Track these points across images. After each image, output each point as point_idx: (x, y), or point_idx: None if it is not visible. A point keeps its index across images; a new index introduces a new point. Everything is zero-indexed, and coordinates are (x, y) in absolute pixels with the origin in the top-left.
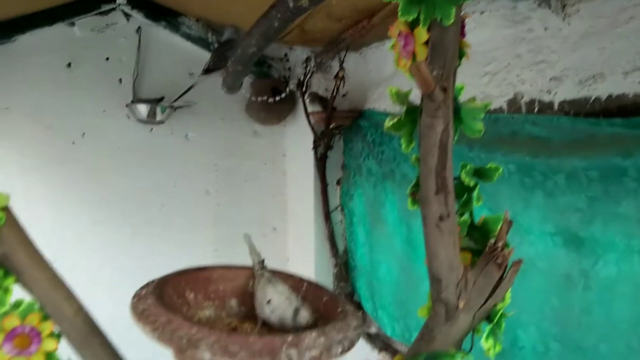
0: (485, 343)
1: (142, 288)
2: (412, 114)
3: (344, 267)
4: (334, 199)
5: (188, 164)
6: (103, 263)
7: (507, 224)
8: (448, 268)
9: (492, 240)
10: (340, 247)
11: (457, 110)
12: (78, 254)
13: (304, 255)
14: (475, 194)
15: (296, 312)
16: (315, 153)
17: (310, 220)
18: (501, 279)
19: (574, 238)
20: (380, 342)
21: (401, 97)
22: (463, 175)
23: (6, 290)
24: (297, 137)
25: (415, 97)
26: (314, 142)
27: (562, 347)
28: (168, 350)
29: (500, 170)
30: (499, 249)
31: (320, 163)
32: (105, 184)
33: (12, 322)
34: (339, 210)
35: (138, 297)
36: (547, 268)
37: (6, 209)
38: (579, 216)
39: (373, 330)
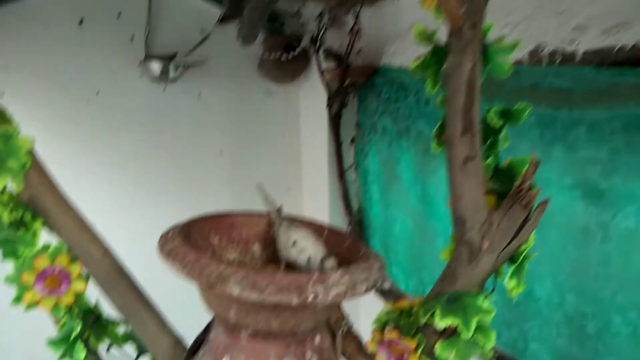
0: (508, 283)
1: (167, 231)
2: (438, 54)
3: (358, 225)
4: (348, 158)
5: (201, 124)
6: (117, 223)
7: (534, 165)
8: (473, 209)
9: (518, 182)
10: (355, 206)
11: (484, 49)
12: (92, 214)
13: (318, 214)
14: (502, 135)
15: (325, 257)
16: (329, 111)
17: (325, 180)
18: (526, 220)
19: (594, 191)
20: (393, 297)
21: (427, 36)
22: (490, 116)
23: (34, 233)
24: (311, 95)
25: (441, 37)
26: (328, 100)
27: (578, 299)
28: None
29: (529, 110)
30: (525, 190)
31: (334, 121)
32: (119, 144)
33: (43, 263)
34: (353, 169)
35: (165, 239)
36: (565, 221)
37: (31, 153)
38: (599, 169)
39: (387, 286)
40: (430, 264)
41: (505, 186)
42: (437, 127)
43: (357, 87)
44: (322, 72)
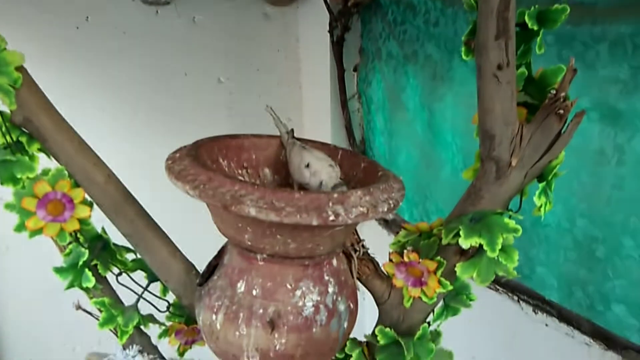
0: (537, 200)
1: (174, 152)
2: None
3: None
4: (351, 87)
5: (197, 50)
6: (113, 152)
7: (572, 73)
8: (503, 123)
9: (553, 91)
10: (358, 137)
11: None
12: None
13: None
14: (538, 39)
15: (338, 185)
16: (331, 36)
17: (326, 109)
18: (559, 133)
19: (612, 112)
20: (396, 227)
21: None
22: (527, 18)
23: (32, 157)
24: (312, 19)
25: None
26: (330, 23)
27: (589, 223)
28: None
29: (568, 11)
30: (561, 100)
31: (337, 48)
32: (113, 70)
33: (43, 188)
34: (356, 97)
35: (172, 160)
36: (579, 144)
37: (22, 69)
38: (619, 87)
39: (390, 216)
40: (435, 194)
41: (537, 98)
42: (467, 31)
43: (361, 8)
44: None
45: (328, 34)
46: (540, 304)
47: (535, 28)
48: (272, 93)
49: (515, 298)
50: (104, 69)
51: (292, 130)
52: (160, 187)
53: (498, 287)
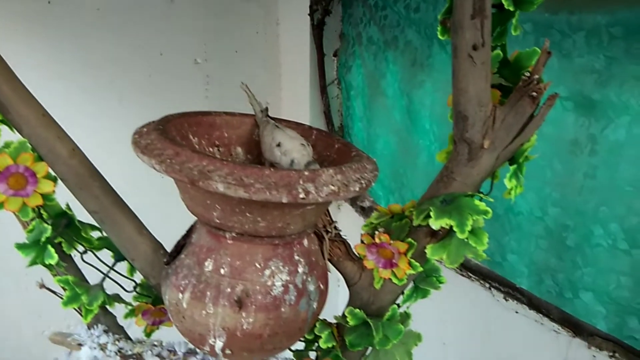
0: (508, 183)
1: (142, 126)
2: None
3: None
4: (331, 72)
5: (174, 30)
6: (91, 132)
7: (545, 55)
8: (477, 104)
9: (527, 73)
10: (337, 123)
11: None
12: (64, 122)
13: None
14: (514, 21)
15: (310, 163)
16: (312, 20)
17: (305, 95)
18: (532, 116)
19: (586, 101)
20: None
21: None
22: None
23: None
24: (293, 1)
25: None
26: (311, 6)
27: (561, 212)
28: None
29: None
30: (535, 82)
31: (317, 32)
32: (87, 48)
33: (5, 160)
34: (335, 83)
35: (139, 134)
36: (554, 133)
37: None
38: (594, 78)
39: (366, 204)
40: (412, 182)
41: (511, 81)
42: (444, 10)
43: None
44: None
45: (308, 17)
46: (510, 291)
47: (512, 9)
48: (251, 76)
49: (487, 285)
50: (76, 45)
51: (267, 108)
52: (134, 166)
53: (470, 275)
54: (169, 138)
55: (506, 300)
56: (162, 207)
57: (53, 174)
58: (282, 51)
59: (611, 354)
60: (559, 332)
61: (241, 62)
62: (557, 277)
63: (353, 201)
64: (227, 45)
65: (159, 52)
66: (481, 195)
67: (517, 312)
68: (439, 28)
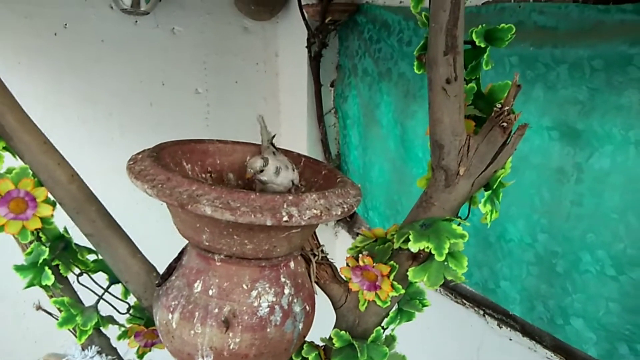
0: (483, 208)
1: (137, 153)
2: None
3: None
4: (328, 102)
5: (176, 61)
6: (91, 162)
7: (516, 88)
8: (451, 134)
9: (498, 105)
10: (333, 151)
11: None
12: (65, 152)
13: None
14: (485, 57)
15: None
16: (309, 52)
17: (303, 123)
18: (504, 144)
19: (571, 131)
20: None
21: None
22: (474, 36)
23: None
24: (290, 34)
25: None
26: (308, 39)
27: (549, 238)
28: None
29: (514, 31)
30: (506, 113)
31: (314, 63)
32: (90, 80)
33: (6, 185)
34: (332, 112)
35: (134, 160)
36: (541, 162)
37: None
38: (578, 108)
39: (362, 228)
40: (407, 209)
41: (485, 112)
42: (419, 46)
43: (339, 25)
44: (302, 8)
45: (306, 50)
46: (504, 318)
47: (483, 45)
48: (250, 106)
49: (481, 312)
50: (80, 77)
51: (274, 136)
52: (136, 196)
53: (465, 302)
54: (162, 164)
55: (500, 327)
56: (161, 233)
57: (52, 198)
58: (281, 82)
59: None
60: (552, 359)
61: (241, 91)
62: (548, 304)
63: (350, 228)
64: (227, 75)
65: (160, 83)
66: (459, 219)
67: (510, 339)
68: (415, 63)
